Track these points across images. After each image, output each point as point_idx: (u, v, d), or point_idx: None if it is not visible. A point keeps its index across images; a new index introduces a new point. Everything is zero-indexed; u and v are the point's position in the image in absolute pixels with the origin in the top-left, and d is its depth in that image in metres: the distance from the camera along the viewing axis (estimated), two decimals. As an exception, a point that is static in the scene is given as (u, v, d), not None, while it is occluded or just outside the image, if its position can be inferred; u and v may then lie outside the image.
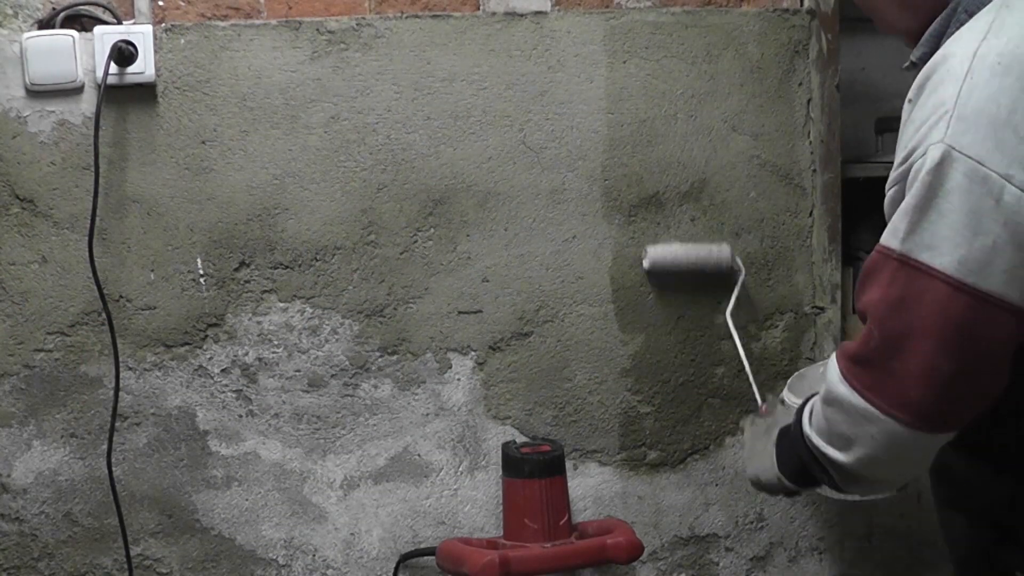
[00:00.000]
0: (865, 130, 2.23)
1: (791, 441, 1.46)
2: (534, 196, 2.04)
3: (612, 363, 2.08)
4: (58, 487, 1.95)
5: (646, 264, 2.06)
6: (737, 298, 2.07)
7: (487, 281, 2.04)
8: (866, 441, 1.29)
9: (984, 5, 1.29)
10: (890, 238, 1.26)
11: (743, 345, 2.05)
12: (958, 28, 1.30)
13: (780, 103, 2.11)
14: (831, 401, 1.33)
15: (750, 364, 2.05)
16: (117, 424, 1.94)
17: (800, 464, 1.44)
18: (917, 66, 1.34)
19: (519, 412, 2.06)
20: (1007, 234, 1.20)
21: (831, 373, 1.33)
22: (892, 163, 1.32)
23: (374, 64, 1.98)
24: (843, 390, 1.30)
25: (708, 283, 2.08)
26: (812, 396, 1.43)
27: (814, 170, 2.12)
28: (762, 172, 2.11)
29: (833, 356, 1.34)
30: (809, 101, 2.12)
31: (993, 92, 1.20)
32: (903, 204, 1.25)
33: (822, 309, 2.12)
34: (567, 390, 2.08)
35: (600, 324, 2.08)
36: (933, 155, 1.21)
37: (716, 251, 2.07)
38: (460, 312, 2.03)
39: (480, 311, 2.04)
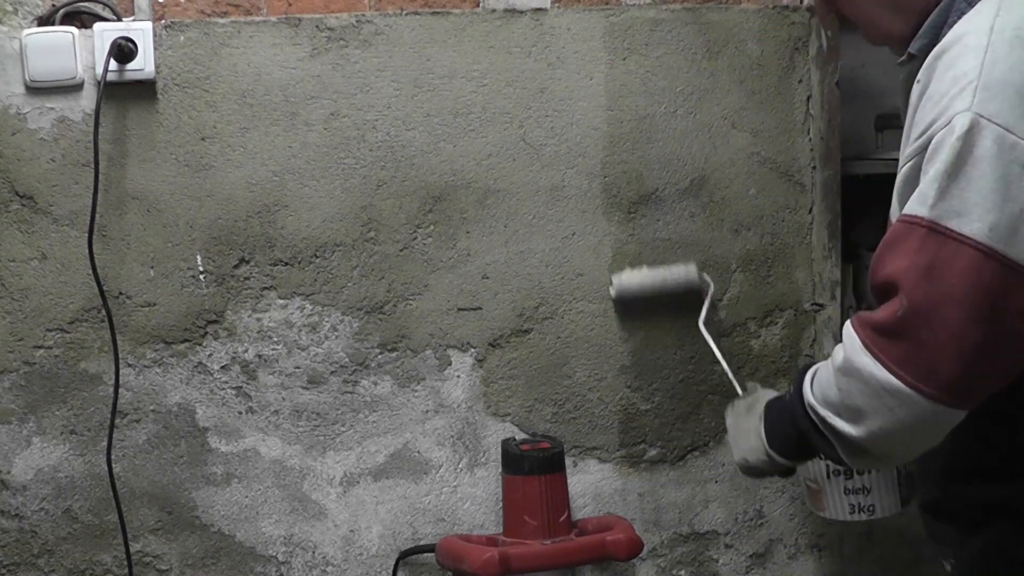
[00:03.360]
0: (865, 127, 2.23)
1: (783, 412, 1.45)
2: (534, 193, 2.04)
3: (612, 360, 2.08)
4: (58, 484, 1.95)
5: (613, 293, 2.05)
6: (709, 307, 2.05)
7: (487, 278, 2.04)
8: (882, 414, 1.27)
9: None
10: (917, 206, 1.25)
11: (717, 345, 2.01)
12: (959, 17, 1.32)
13: (780, 100, 2.11)
14: (849, 371, 1.29)
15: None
16: (117, 421, 1.94)
17: (796, 435, 1.42)
18: (915, 58, 1.35)
19: (519, 409, 2.06)
20: None
21: (850, 343, 1.29)
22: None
23: (374, 61, 1.98)
24: (866, 361, 1.26)
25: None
26: (810, 365, 1.42)
27: (814, 167, 2.12)
28: (762, 169, 2.11)
29: (848, 325, 1.31)
30: (809, 98, 2.12)
31: (1015, 63, 1.22)
32: (931, 173, 1.24)
33: (822, 306, 2.12)
34: (567, 387, 2.08)
35: (600, 321, 2.08)
36: (961, 123, 1.22)
37: (684, 271, 2.05)
38: (460, 309, 2.03)
39: (480, 308, 2.04)
